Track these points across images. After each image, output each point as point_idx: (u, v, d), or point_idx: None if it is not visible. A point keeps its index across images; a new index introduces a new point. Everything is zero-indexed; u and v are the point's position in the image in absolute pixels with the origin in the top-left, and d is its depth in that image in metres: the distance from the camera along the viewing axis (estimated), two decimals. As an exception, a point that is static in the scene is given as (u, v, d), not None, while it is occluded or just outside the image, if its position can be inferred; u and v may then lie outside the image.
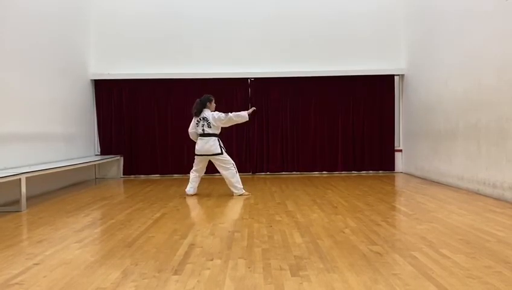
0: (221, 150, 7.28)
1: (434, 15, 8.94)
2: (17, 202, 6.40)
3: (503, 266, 3.40)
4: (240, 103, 10.71)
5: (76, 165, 8.35)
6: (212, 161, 7.41)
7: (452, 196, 6.95)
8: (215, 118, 7.28)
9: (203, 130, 7.31)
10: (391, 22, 10.83)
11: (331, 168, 10.87)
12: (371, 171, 10.87)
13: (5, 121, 6.96)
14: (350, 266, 3.44)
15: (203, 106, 7.36)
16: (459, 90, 7.79)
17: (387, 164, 10.89)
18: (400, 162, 10.93)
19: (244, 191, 7.35)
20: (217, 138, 7.32)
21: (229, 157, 7.39)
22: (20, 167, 7.11)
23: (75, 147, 9.64)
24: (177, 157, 10.80)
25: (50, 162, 8.14)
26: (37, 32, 8.07)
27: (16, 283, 3.20)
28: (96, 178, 10.65)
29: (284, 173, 10.87)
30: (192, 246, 4.15)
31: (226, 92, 10.56)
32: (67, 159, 8.99)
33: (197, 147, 7.41)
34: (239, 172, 7.50)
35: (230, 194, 7.38)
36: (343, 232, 4.58)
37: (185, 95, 10.84)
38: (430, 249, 3.89)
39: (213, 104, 7.46)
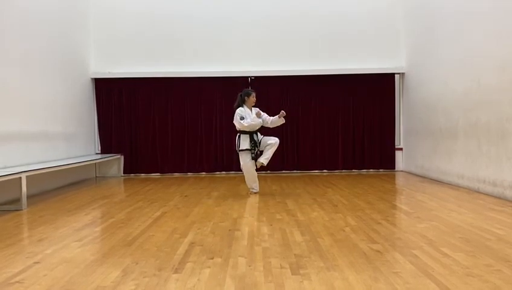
0: (237, 147, 7.18)
1: (434, 14, 8.93)
2: (17, 200, 6.41)
3: (503, 264, 3.40)
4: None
5: (76, 163, 8.35)
6: None
7: (452, 195, 6.95)
8: (235, 117, 7.13)
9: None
10: (391, 21, 10.83)
11: (331, 167, 10.87)
12: (371, 170, 10.86)
13: (5, 120, 6.96)
14: (350, 265, 3.44)
15: (242, 102, 7.21)
16: (459, 88, 7.78)
17: (388, 162, 10.89)
18: (400, 160, 10.93)
19: (252, 190, 7.33)
20: (238, 135, 7.19)
21: (243, 157, 7.16)
22: (20, 165, 7.12)
23: (75, 146, 9.64)
24: (178, 156, 10.83)
25: (50, 161, 8.15)
26: (37, 32, 8.06)
27: (17, 282, 3.20)
28: (96, 177, 10.65)
29: (284, 171, 10.87)
30: (192, 244, 4.15)
31: (226, 91, 10.54)
32: (68, 158, 8.99)
33: None
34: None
35: (230, 193, 7.37)
36: (344, 231, 4.59)
37: (185, 94, 10.86)
38: (430, 247, 3.89)
39: (251, 99, 7.21)
